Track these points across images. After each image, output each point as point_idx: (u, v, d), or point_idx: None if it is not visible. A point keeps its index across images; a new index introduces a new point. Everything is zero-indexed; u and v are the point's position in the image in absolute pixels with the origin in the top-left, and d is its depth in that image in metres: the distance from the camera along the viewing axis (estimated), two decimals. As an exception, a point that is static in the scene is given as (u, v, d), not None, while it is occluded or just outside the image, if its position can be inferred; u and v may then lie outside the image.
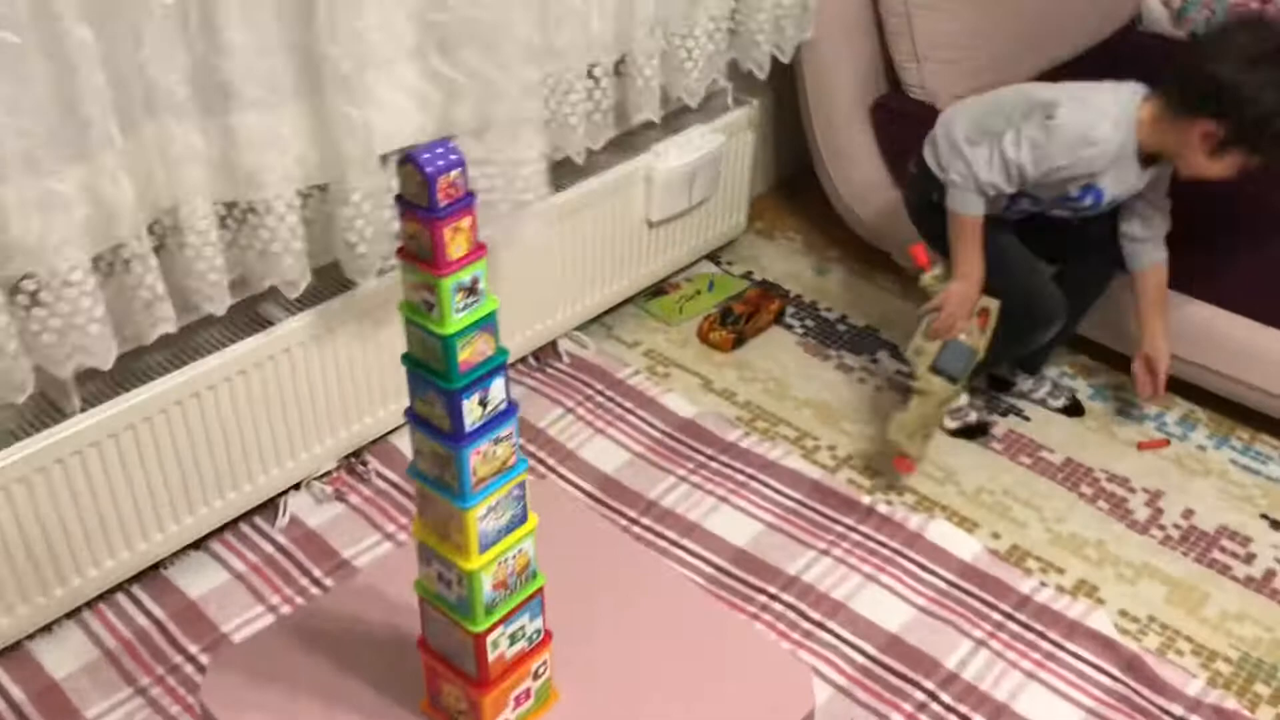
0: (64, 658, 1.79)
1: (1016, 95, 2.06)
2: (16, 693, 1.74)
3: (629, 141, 2.37)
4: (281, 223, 1.74)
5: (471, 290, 0.98)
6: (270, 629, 1.38)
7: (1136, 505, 2.13)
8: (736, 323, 2.52)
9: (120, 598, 1.88)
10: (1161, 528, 2.08)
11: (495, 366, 1.03)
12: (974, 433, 2.27)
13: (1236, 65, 1.78)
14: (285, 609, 1.88)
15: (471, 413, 1.02)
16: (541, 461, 2.18)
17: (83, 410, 1.70)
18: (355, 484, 2.11)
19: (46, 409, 1.70)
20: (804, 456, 2.22)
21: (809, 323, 2.60)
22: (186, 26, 1.55)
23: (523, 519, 1.11)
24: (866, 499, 2.10)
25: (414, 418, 1.05)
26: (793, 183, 3.02)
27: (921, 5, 2.39)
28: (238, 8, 1.56)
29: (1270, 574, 1.99)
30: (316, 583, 1.93)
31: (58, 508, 1.71)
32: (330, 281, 1.95)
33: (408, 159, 0.93)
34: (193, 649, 1.82)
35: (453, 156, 0.93)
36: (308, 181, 1.79)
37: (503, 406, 1.05)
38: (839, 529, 2.05)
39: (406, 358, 1.03)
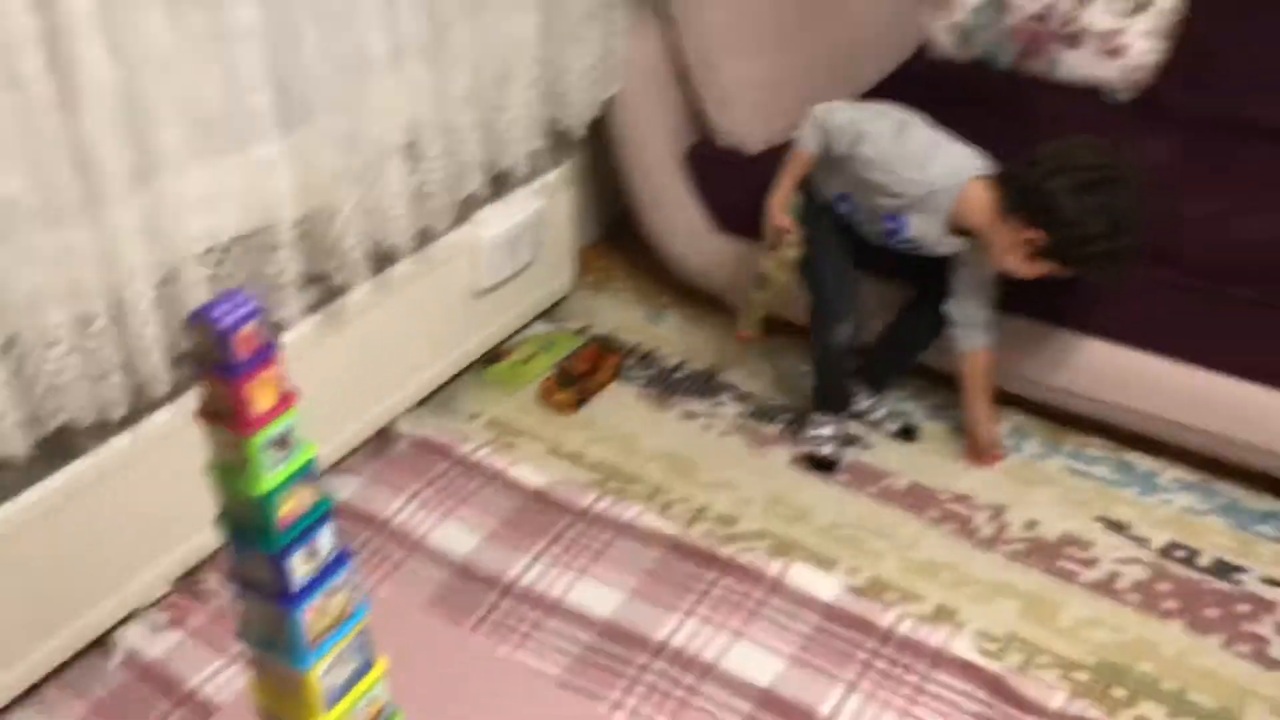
0: None
1: (900, 110, 2.15)
2: None
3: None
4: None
5: (283, 443, 0.92)
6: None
7: (981, 523, 2.18)
8: (576, 382, 2.49)
9: (-57, 771, 1.73)
10: (1007, 542, 2.14)
11: (320, 516, 0.97)
12: (821, 465, 2.30)
13: (1071, 187, 1.89)
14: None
15: (299, 569, 0.96)
16: (388, 557, 2.10)
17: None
18: (194, 606, 1.99)
19: None
20: (660, 514, 2.20)
21: (649, 373, 2.59)
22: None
23: (369, 665, 1.05)
24: (726, 550, 2.10)
25: (237, 582, 0.99)
26: (618, 233, 3.02)
27: (722, 52, 2.42)
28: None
29: (1113, 576, 2.07)
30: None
31: None
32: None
33: (198, 316, 0.87)
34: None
35: (247, 307, 0.87)
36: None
37: (333, 556, 0.99)
38: (702, 585, 2.03)
39: (222, 519, 0.96)
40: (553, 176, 2.52)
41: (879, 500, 2.24)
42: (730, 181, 2.53)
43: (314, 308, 2.07)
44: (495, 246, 2.38)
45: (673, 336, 2.71)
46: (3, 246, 1.49)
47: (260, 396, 0.89)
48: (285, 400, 0.91)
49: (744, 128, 2.46)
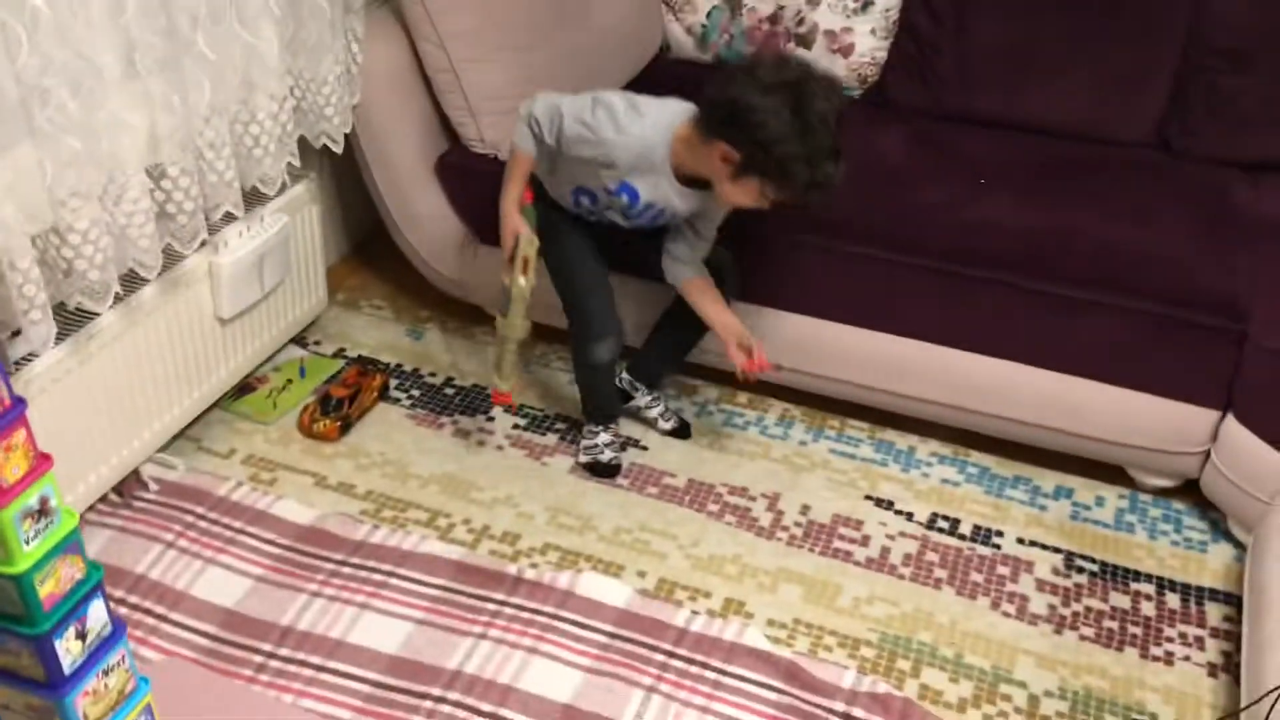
0: None
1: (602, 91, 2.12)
2: None
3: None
4: None
5: (42, 511, 0.81)
6: None
7: (760, 512, 2.23)
8: (339, 407, 2.37)
9: None
10: (785, 529, 2.20)
11: (90, 589, 0.86)
12: (602, 471, 2.29)
13: (753, 91, 1.87)
14: None
15: (69, 652, 0.85)
16: (149, 612, 1.93)
17: None
18: None
19: None
20: (441, 538, 2.13)
21: (415, 392, 2.50)
22: None
23: (156, 746, 0.95)
24: (513, 568, 2.05)
25: (-7, 675, 0.86)
26: (368, 248, 2.90)
27: (467, 59, 2.36)
28: None
29: (885, 551, 2.16)
30: None
31: None
32: None
33: (-77, 379, 0.75)
34: None
35: (-15, 365, 0.76)
36: None
37: (107, 631, 0.89)
38: (491, 607, 1.98)
39: (-31, 606, 0.84)
40: (297, 190, 2.39)
41: (661, 500, 2.25)
42: (485, 190, 2.47)
43: (57, 339, 1.88)
44: (238, 270, 2.22)
45: (436, 353, 2.63)
46: None
47: (8, 465, 0.77)
48: (39, 465, 0.80)
49: (492, 133, 2.42)
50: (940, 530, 2.21)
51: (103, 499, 2.12)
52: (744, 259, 2.27)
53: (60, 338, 1.90)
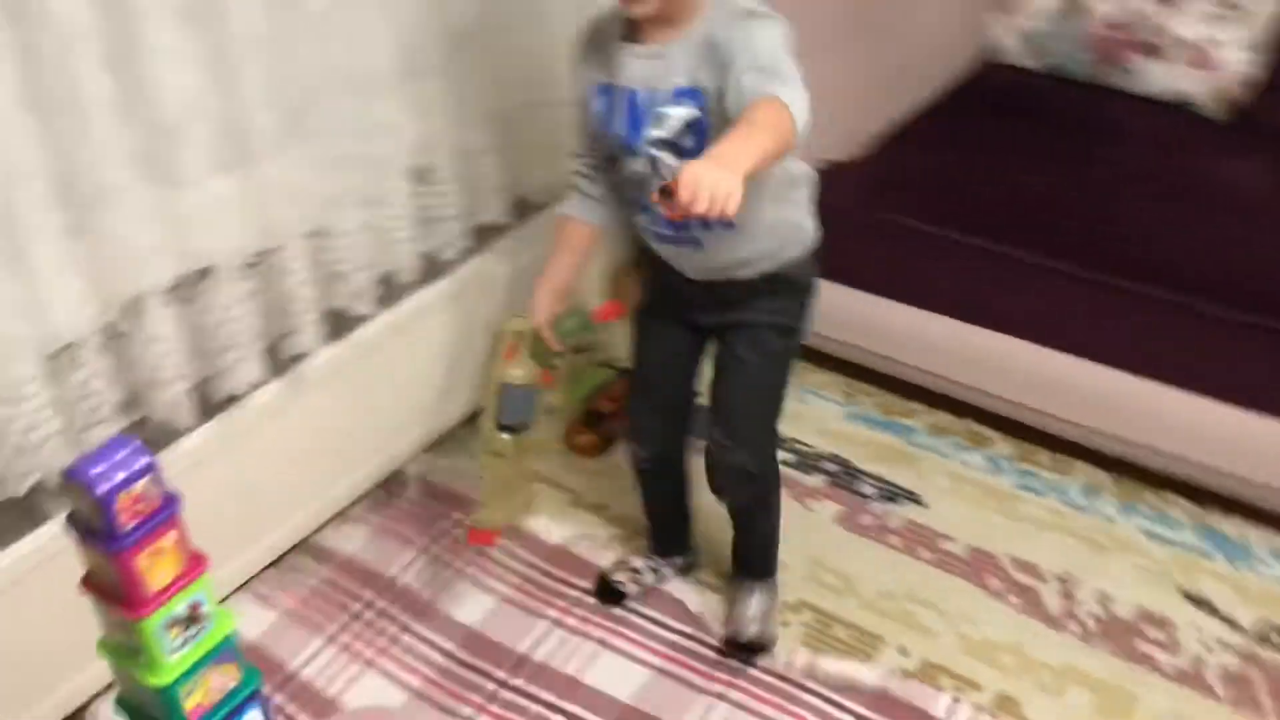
0: None
1: None
2: None
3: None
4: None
5: (192, 619, 0.72)
6: None
7: (1049, 595, 1.95)
8: (604, 422, 2.29)
9: None
10: (1078, 619, 1.91)
11: (245, 698, 0.78)
12: (602, 591, 1.95)
13: None
14: None
15: (217, 766, 0.77)
16: (393, 619, 1.91)
17: None
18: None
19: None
20: (684, 576, 2.00)
21: (683, 412, 2.38)
22: None
23: None
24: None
25: (143, 773, 0.80)
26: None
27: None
28: None
29: (1198, 662, 1.84)
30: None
31: None
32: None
33: (73, 474, 0.67)
34: None
35: (135, 463, 0.68)
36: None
37: (264, 742, 0.80)
38: (733, 666, 1.83)
39: (120, 706, 0.77)
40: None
41: (935, 566, 2.01)
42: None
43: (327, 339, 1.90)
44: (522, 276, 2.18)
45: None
46: None
47: (155, 569, 0.69)
48: (191, 569, 0.72)
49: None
50: (1273, 646, 1.86)
51: (364, 496, 2.13)
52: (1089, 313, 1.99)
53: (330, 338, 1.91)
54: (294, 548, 2.03)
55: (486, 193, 2.09)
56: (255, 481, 1.86)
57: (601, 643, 1.87)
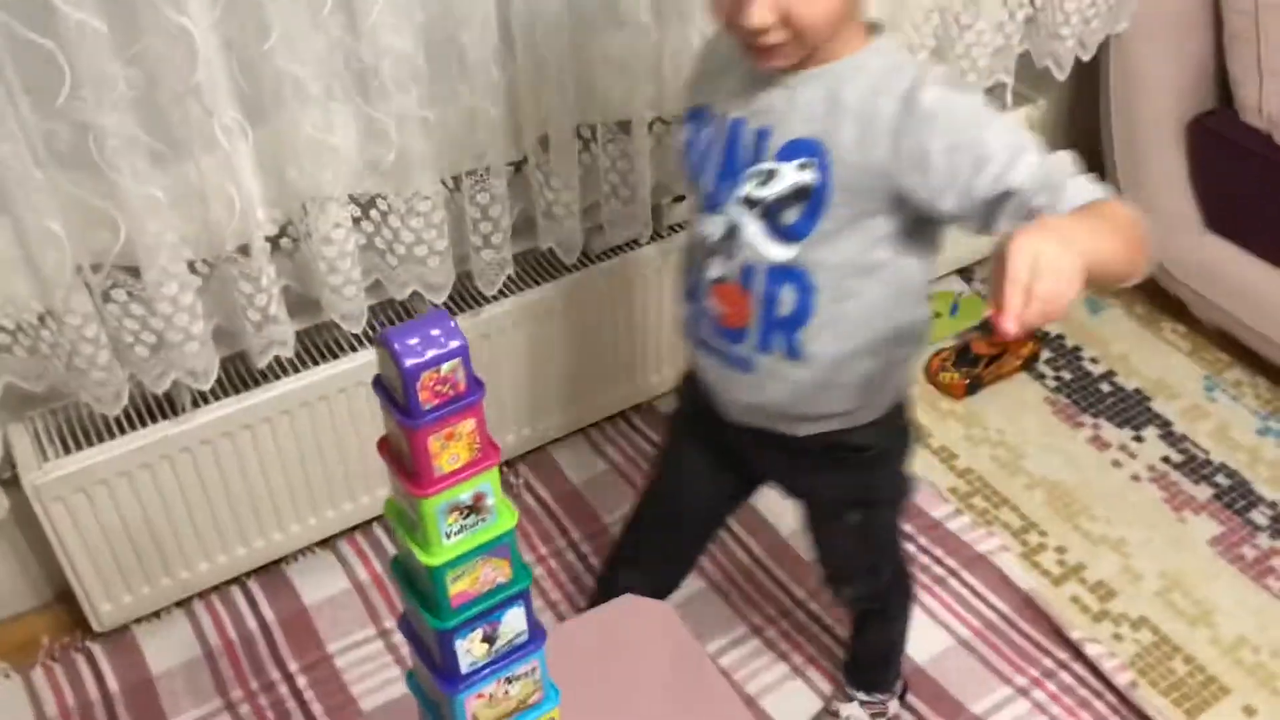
0: (165, 650, 1.70)
1: None
2: (112, 683, 1.66)
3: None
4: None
5: (474, 508, 0.70)
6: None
7: None
8: (975, 364, 2.12)
9: (235, 591, 1.77)
10: None
11: (510, 597, 0.76)
12: None
13: None
14: (397, 638, 1.71)
15: (470, 653, 0.76)
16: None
17: (197, 406, 1.56)
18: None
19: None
20: (1023, 556, 1.83)
21: (1065, 375, 2.15)
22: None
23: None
24: (1077, 634, 1.69)
25: (406, 629, 0.80)
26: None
27: (1276, 4, 1.86)
28: None
29: None
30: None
31: (173, 499, 1.60)
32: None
33: (388, 338, 0.65)
34: (292, 666, 1.68)
35: (447, 343, 0.65)
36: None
37: (521, 639, 0.78)
38: (1046, 664, 1.67)
39: (396, 565, 0.77)
40: (1013, 116, 2.10)
41: (1316, 628, 1.73)
42: (1238, 170, 1.99)
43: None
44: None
45: (1109, 336, 2.23)
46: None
47: (448, 451, 0.67)
48: (481, 459, 0.69)
49: (1276, 104, 1.90)
50: None
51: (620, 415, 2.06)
52: None
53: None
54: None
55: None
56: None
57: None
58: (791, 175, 1.06)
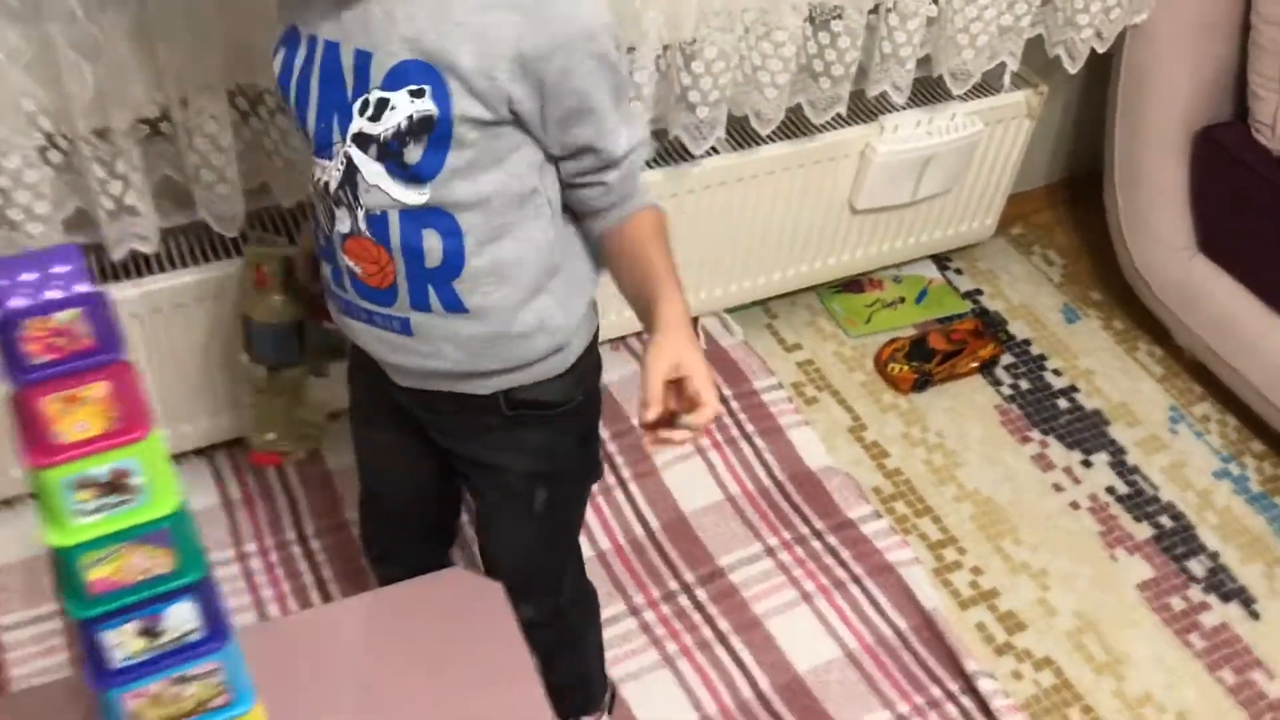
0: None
1: None
2: None
3: (855, 101, 1.83)
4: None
5: (115, 486, 0.58)
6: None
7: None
8: (928, 359, 1.98)
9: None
10: None
11: (176, 589, 0.64)
12: None
13: None
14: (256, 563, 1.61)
15: (124, 646, 0.64)
16: (615, 471, 1.77)
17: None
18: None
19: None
20: (935, 572, 1.71)
21: (1023, 384, 2.01)
22: None
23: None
24: (973, 664, 1.58)
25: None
26: (1080, 185, 2.35)
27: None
28: None
29: None
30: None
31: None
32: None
33: (-8, 273, 0.53)
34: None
35: (73, 287, 0.52)
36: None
37: (194, 637, 0.67)
38: (935, 692, 1.56)
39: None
40: (1012, 99, 1.93)
41: (1234, 699, 1.60)
42: (1241, 192, 1.83)
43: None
44: (890, 165, 1.86)
45: (1081, 350, 2.09)
46: None
47: (69, 418, 0.54)
48: (123, 431, 0.56)
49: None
50: None
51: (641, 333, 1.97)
52: None
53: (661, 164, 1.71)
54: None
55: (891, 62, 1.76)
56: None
57: (806, 597, 1.65)
58: (405, 105, 0.88)
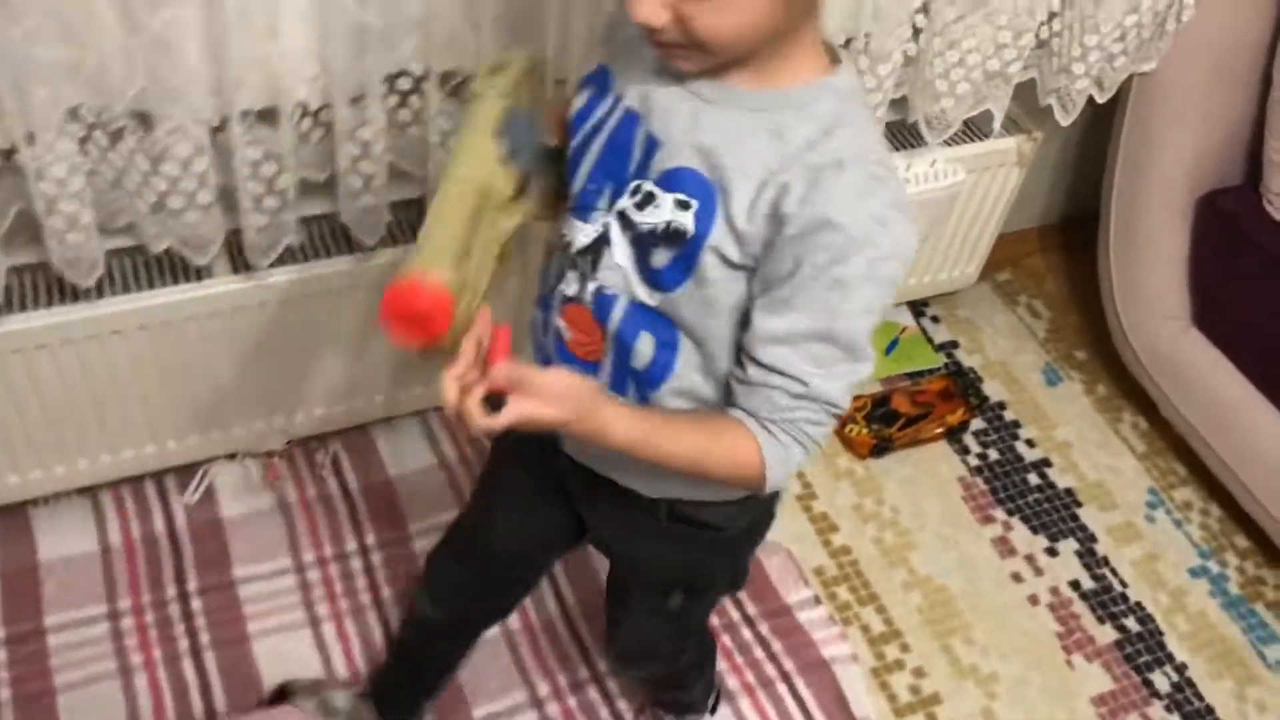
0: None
1: None
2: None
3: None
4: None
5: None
6: None
7: None
8: (890, 422, 1.82)
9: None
10: None
11: None
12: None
13: None
14: (127, 621, 1.47)
15: None
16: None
17: None
18: (301, 477, 1.64)
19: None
20: (874, 672, 1.56)
21: (992, 454, 1.85)
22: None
23: None
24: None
25: None
26: (1071, 232, 2.17)
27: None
28: None
29: None
30: (182, 597, 1.50)
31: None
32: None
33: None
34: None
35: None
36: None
37: None
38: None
39: None
40: (1000, 146, 1.75)
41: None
42: (1242, 265, 1.66)
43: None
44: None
45: (1060, 418, 1.92)
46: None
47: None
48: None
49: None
50: None
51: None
52: None
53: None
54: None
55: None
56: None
57: (728, 696, 1.50)
58: (667, 211, 0.83)
